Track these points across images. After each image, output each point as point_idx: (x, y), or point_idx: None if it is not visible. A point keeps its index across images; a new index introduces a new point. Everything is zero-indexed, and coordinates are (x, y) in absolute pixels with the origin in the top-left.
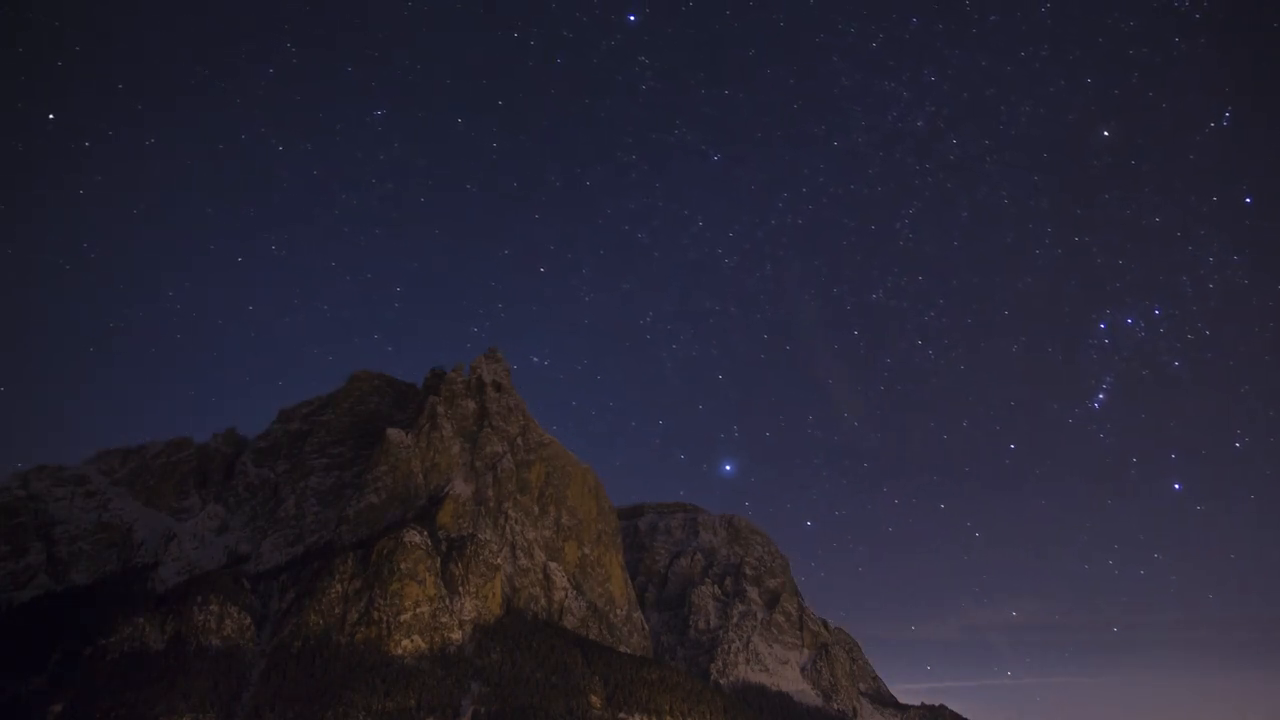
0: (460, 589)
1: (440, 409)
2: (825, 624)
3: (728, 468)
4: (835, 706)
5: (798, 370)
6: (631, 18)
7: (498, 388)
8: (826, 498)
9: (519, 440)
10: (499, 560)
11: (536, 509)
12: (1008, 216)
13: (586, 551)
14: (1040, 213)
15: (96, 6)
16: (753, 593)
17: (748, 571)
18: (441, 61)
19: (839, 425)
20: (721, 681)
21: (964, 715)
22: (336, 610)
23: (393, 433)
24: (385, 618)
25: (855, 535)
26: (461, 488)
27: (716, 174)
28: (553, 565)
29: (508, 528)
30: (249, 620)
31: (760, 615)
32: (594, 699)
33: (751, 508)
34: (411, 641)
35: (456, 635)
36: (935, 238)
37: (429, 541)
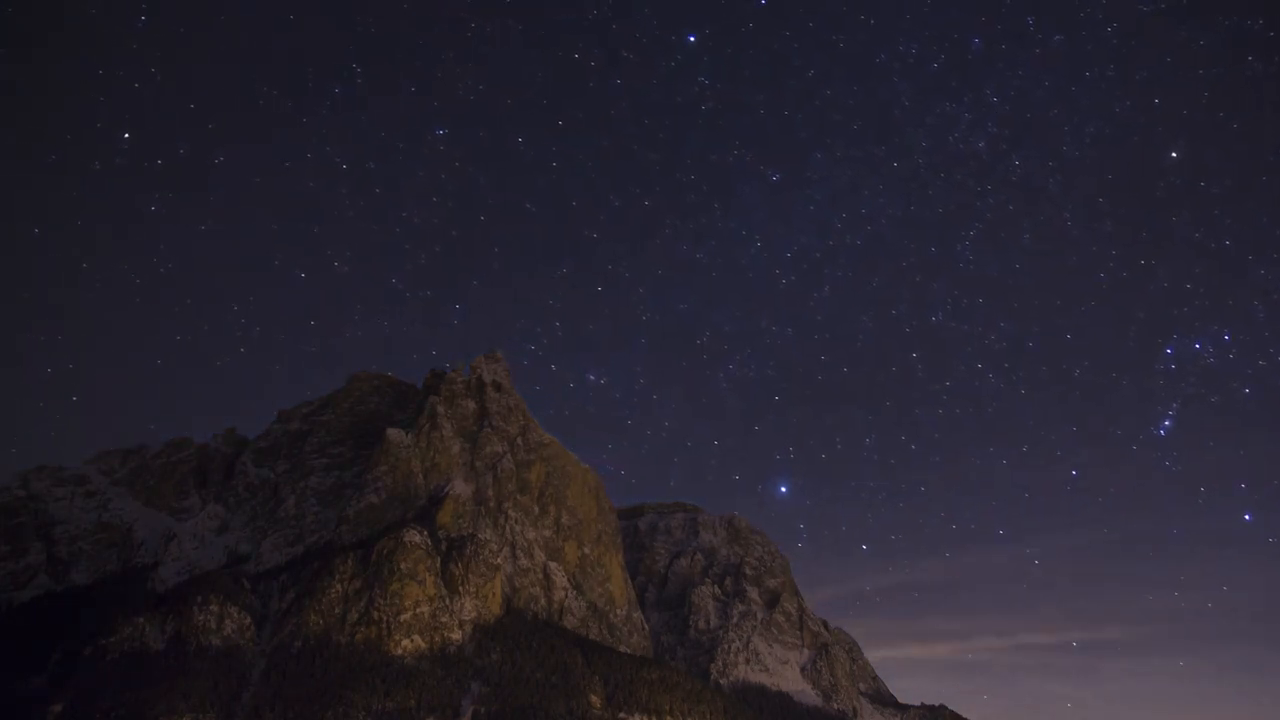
0: (460, 589)
1: (440, 409)
2: (825, 624)
3: (783, 489)
4: (835, 706)
5: (855, 392)
6: (691, 38)
7: (498, 388)
8: (882, 522)
9: (519, 440)
10: (499, 560)
11: (536, 509)
12: (1071, 239)
13: (586, 551)
14: (1105, 235)
15: (172, 31)
16: (753, 593)
17: (748, 571)
18: (503, 82)
19: (897, 448)
20: (721, 681)
21: (964, 716)
22: (336, 610)
23: (393, 433)
24: (385, 618)
25: (911, 560)
26: (461, 488)
27: (775, 194)
28: (553, 565)
29: (508, 528)
30: (249, 620)
31: (760, 615)
32: (594, 699)
33: (806, 530)
34: (411, 641)
35: (456, 635)
36: (997, 260)
37: (429, 541)
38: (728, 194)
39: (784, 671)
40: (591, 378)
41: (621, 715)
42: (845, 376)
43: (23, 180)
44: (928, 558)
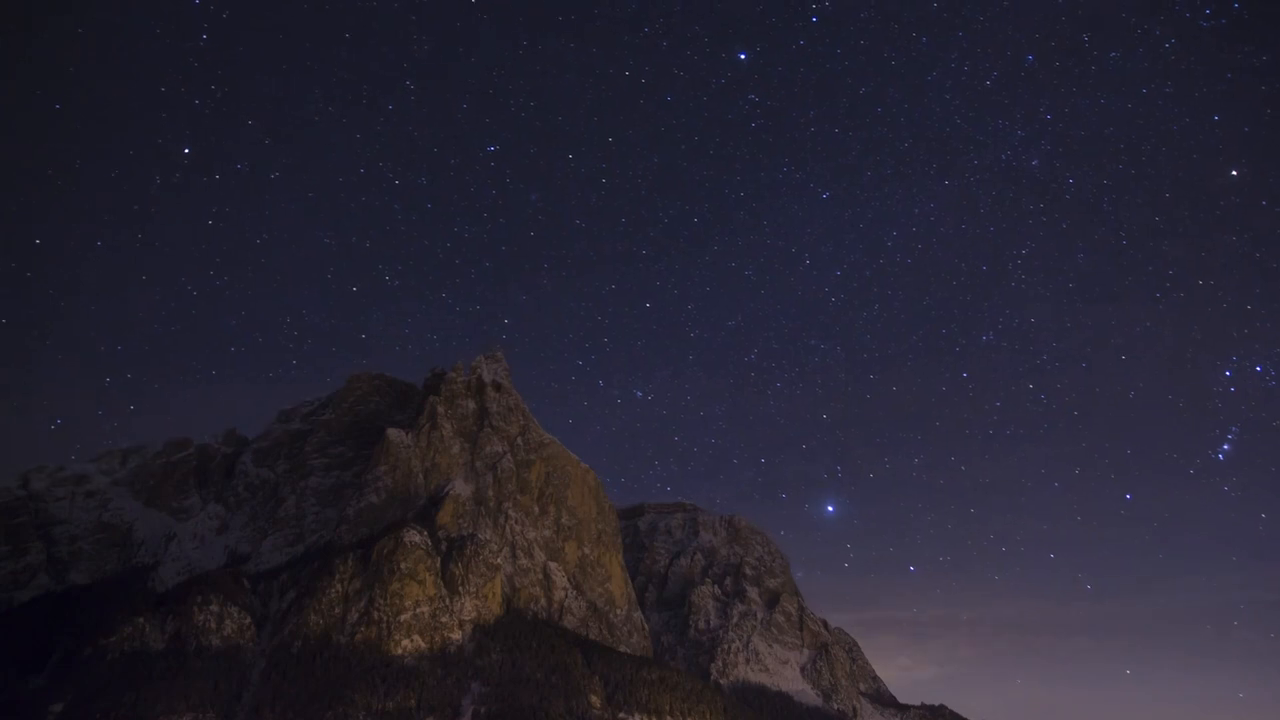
0: (460, 589)
1: (440, 409)
2: (825, 624)
3: (830, 509)
4: (835, 706)
5: (904, 412)
6: (742, 55)
7: (497, 388)
8: (931, 543)
9: (519, 440)
10: (499, 560)
11: (536, 509)
12: (1126, 258)
13: (586, 551)
14: (1161, 255)
15: (232, 50)
16: (753, 593)
17: (748, 571)
18: (554, 99)
19: (946, 469)
20: (721, 681)
21: (964, 716)
22: (336, 610)
23: (393, 433)
24: (385, 618)
25: (960, 582)
26: (461, 488)
27: (825, 212)
28: (553, 565)
29: (508, 528)
30: (249, 620)
31: (760, 615)
32: (594, 699)
33: (853, 550)
34: (411, 641)
35: (456, 635)
36: (1049, 279)
37: (429, 541)
38: (777, 211)
39: (784, 671)
40: (639, 394)
41: (621, 715)
42: (894, 396)
43: (88, 194)
44: (977, 580)
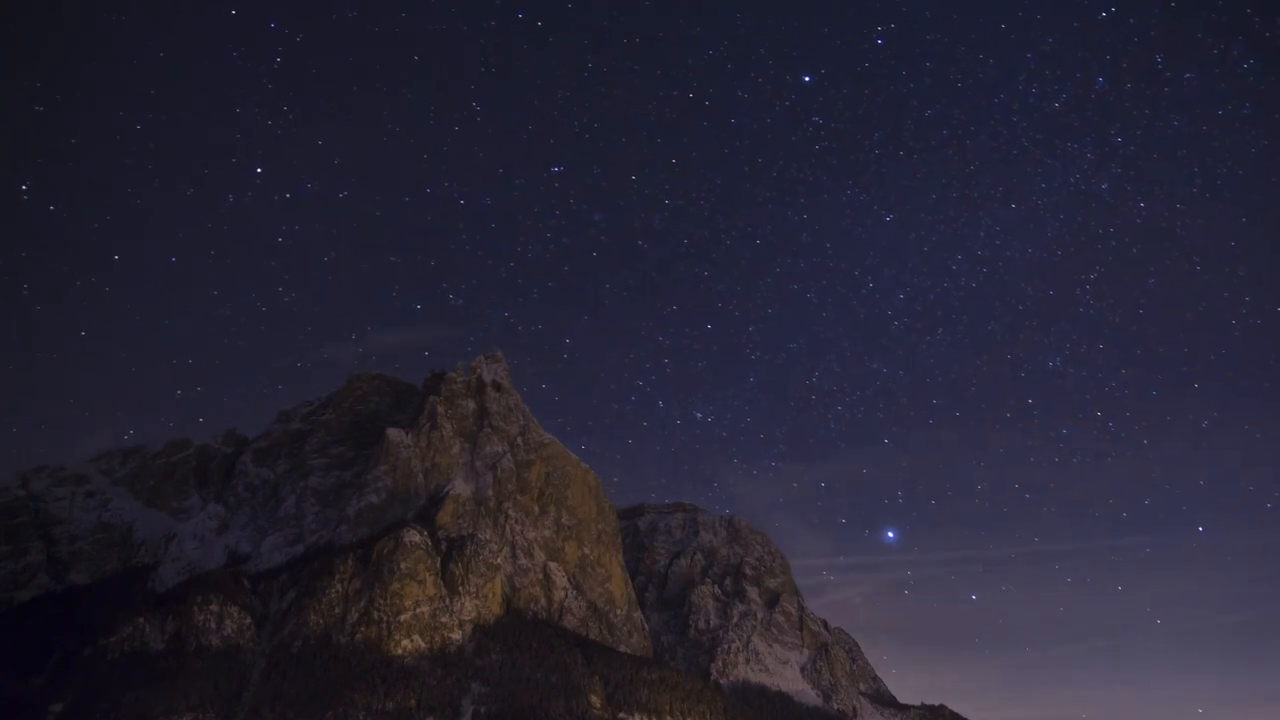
0: (460, 589)
1: (440, 409)
2: (825, 624)
3: (890, 535)
4: (835, 706)
5: (968, 438)
6: (806, 78)
7: (497, 387)
8: (993, 572)
9: (519, 440)
10: (499, 560)
11: (536, 509)
12: (1200, 284)
13: (586, 551)
14: (1237, 281)
15: (304, 72)
16: (753, 593)
17: (748, 571)
18: (618, 120)
19: (1010, 497)
20: (721, 681)
21: (964, 716)
22: (336, 610)
23: (393, 433)
24: (385, 618)
25: (1022, 613)
26: (461, 488)
27: (889, 235)
28: (553, 565)
29: (508, 528)
30: (249, 620)
31: (760, 615)
32: (594, 699)
33: (913, 576)
34: (411, 641)
35: (456, 635)
36: (1119, 305)
37: (429, 541)
38: (840, 234)
39: (784, 671)
40: (699, 415)
41: (621, 715)
42: (957, 422)
43: (164, 212)
44: (1041, 613)
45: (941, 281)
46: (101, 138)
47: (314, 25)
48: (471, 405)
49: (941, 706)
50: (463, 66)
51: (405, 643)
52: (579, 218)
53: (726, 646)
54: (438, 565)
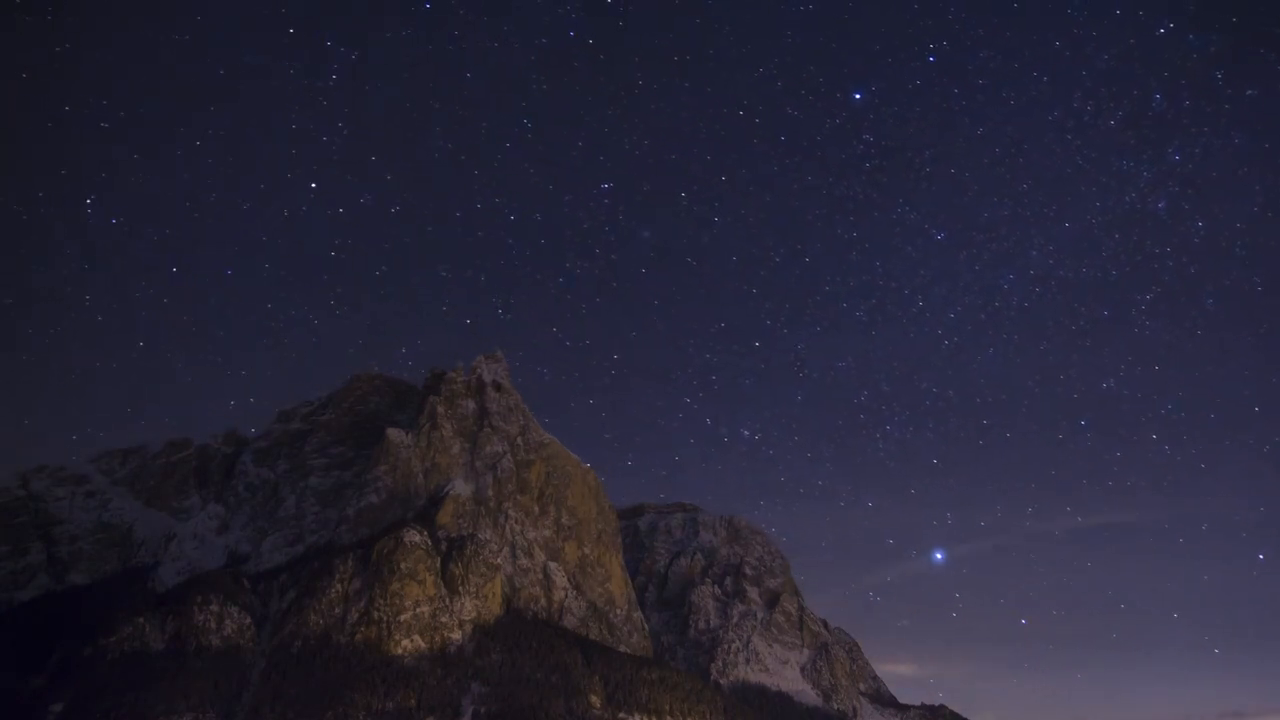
0: (460, 589)
1: (440, 409)
2: (825, 624)
3: (938, 556)
4: (835, 706)
5: (1018, 459)
6: (857, 95)
7: (498, 387)
8: (1044, 595)
9: (519, 440)
10: (499, 560)
11: (536, 509)
12: (1261, 305)
13: (586, 551)
14: None
15: (358, 89)
16: (753, 593)
17: (748, 571)
18: (668, 138)
19: (1062, 520)
20: (721, 681)
21: (964, 716)
22: (336, 610)
23: (393, 433)
24: (385, 618)
25: (1074, 638)
26: (461, 488)
27: (940, 253)
28: (553, 565)
29: (508, 528)
30: (249, 620)
31: (760, 615)
32: (594, 699)
33: (962, 600)
34: (411, 641)
35: (456, 635)
36: (1176, 325)
37: (429, 541)
38: (890, 252)
39: (784, 671)
40: (745, 433)
41: (621, 715)
42: (1008, 442)
43: (220, 225)
44: (1094, 639)
45: (993, 300)
46: (162, 153)
47: (369, 43)
48: (471, 405)
49: (941, 707)
50: (514, 84)
51: (405, 643)
52: (628, 234)
53: (726, 646)
54: (438, 565)
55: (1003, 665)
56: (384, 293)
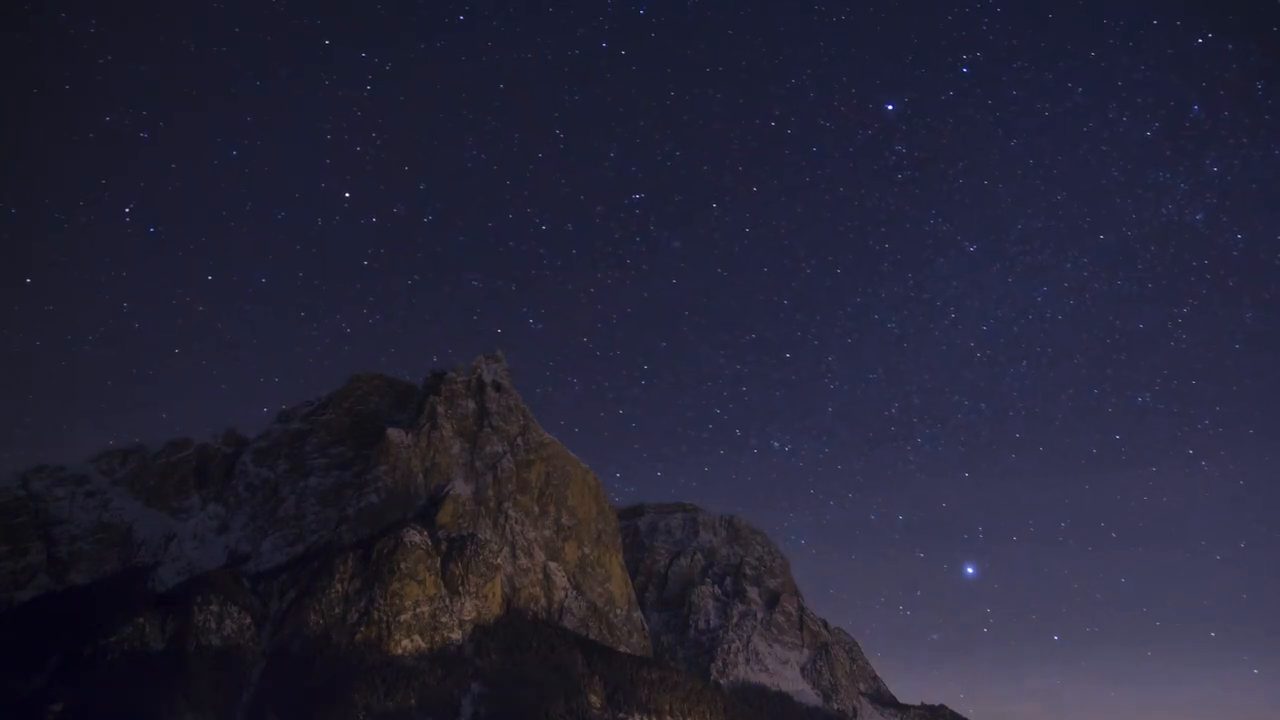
0: (460, 589)
1: (440, 409)
2: (825, 624)
3: (970, 570)
4: (835, 706)
5: (1051, 474)
6: (890, 106)
7: (498, 388)
8: (1079, 612)
9: (519, 440)
10: (499, 560)
11: (536, 509)
12: None
13: (586, 551)
14: None
15: (393, 99)
16: (753, 593)
17: (748, 571)
18: (699, 149)
19: (1095, 535)
20: (721, 681)
21: (964, 716)
22: (336, 610)
23: (393, 433)
24: (385, 618)
25: (1111, 654)
26: (461, 488)
27: (972, 265)
28: (553, 565)
29: (508, 528)
30: (249, 620)
31: (760, 615)
32: (594, 699)
33: (993, 615)
34: (411, 641)
35: (456, 635)
36: (1213, 339)
37: (429, 541)
38: (922, 264)
39: (784, 671)
40: (775, 445)
41: (621, 715)
42: (1041, 456)
43: (255, 234)
44: (1127, 655)
45: (1026, 313)
46: (199, 163)
47: (403, 54)
48: (471, 405)
49: (942, 706)
50: (546, 94)
51: (405, 643)
52: (659, 245)
53: (726, 646)
54: (438, 565)
55: (1035, 682)
56: (415, 301)
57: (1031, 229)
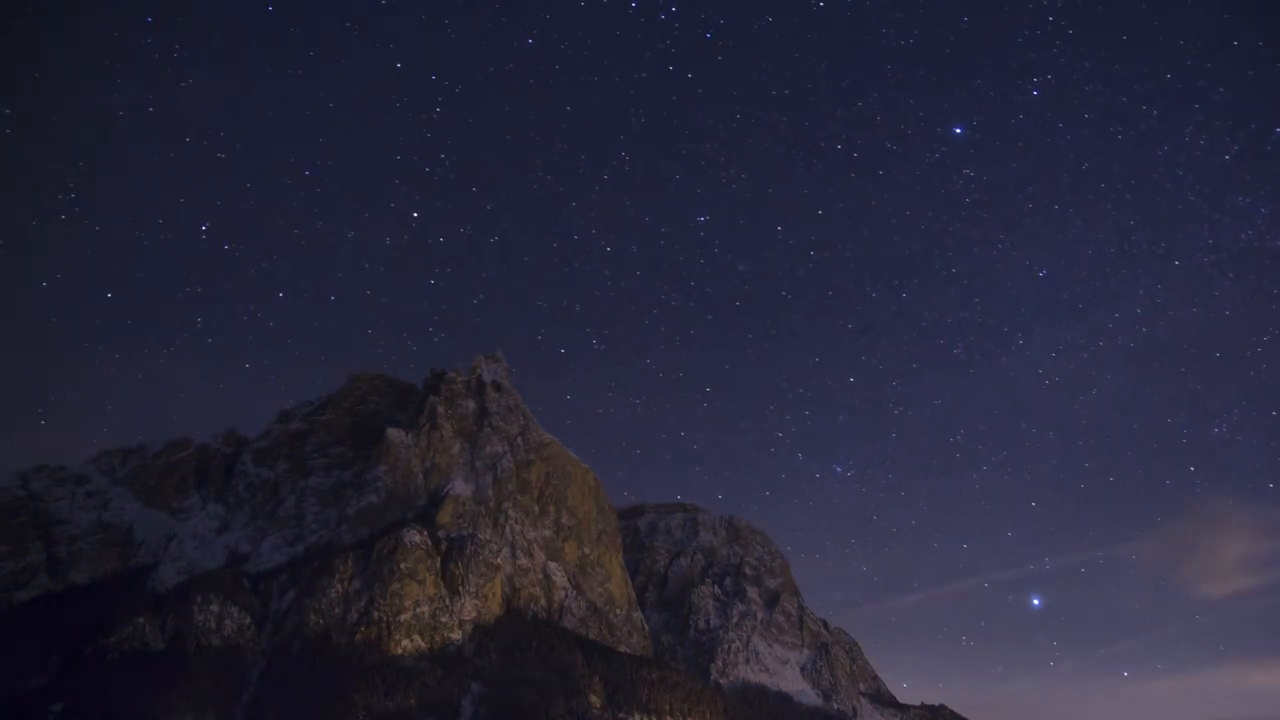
0: (460, 589)
1: (440, 409)
2: (825, 624)
3: (1036, 601)
4: (835, 706)
5: (1122, 505)
6: (958, 130)
7: (497, 388)
8: (1149, 648)
9: (519, 440)
10: (499, 560)
11: (536, 509)
12: None
13: (586, 551)
14: None
15: (462, 121)
16: (753, 593)
17: (748, 571)
18: (765, 170)
19: (1167, 569)
20: (721, 681)
21: (964, 716)
22: (336, 610)
23: (393, 433)
24: (385, 618)
25: (1182, 694)
26: (461, 488)
27: (1041, 290)
28: (553, 565)
29: (508, 528)
30: (249, 620)
31: (760, 615)
32: (594, 699)
33: (1059, 648)
34: (411, 641)
35: (456, 635)
36: None
37: (429, 541)
38: (990, 289)
39: (784, 671)
40: (838, 470)
41: (621, 715)
42: (1111, 486)
43: (326, 252)
44: (1201, 692)
45: (1096, 340)
46: (273, 183)
47: (472, 77)
48: (471, 405)
49: (942, 706)
50: (613, 116)
51: (405, 643)
52: (723, 267)
53: (726, 646)
54: (438, 565)
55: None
56: (480, 321)
57: (1103, 254)
